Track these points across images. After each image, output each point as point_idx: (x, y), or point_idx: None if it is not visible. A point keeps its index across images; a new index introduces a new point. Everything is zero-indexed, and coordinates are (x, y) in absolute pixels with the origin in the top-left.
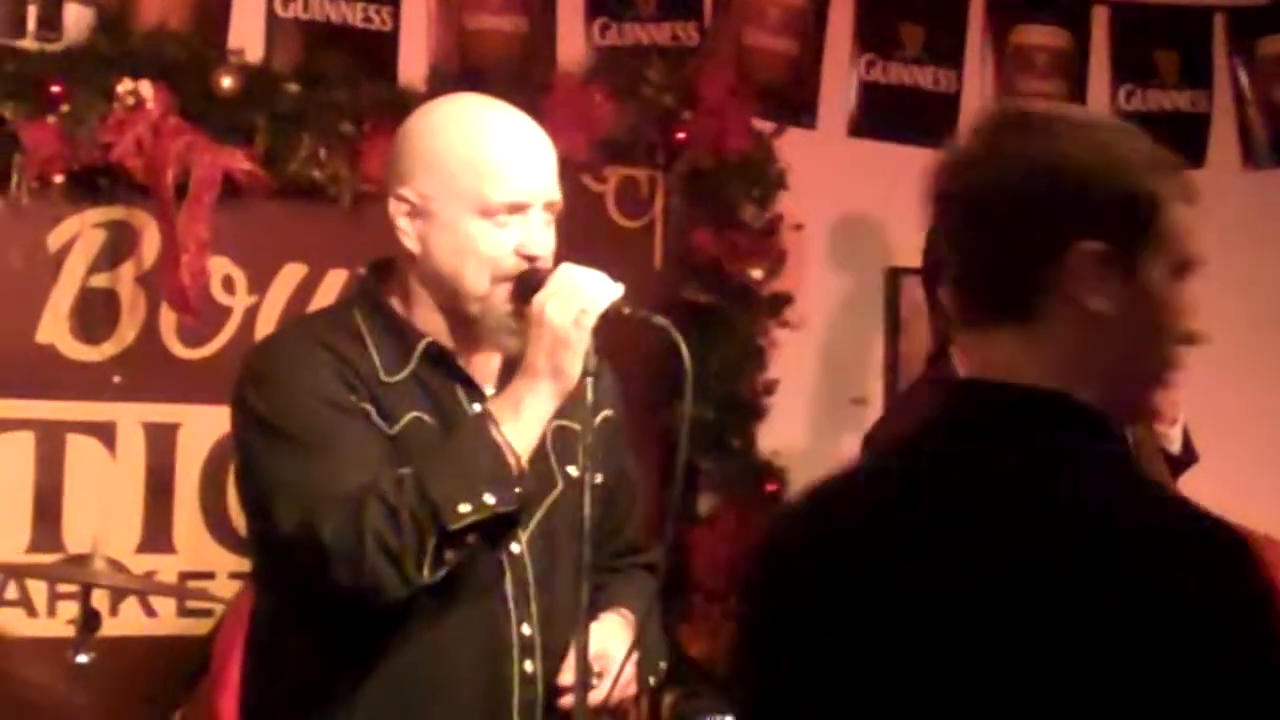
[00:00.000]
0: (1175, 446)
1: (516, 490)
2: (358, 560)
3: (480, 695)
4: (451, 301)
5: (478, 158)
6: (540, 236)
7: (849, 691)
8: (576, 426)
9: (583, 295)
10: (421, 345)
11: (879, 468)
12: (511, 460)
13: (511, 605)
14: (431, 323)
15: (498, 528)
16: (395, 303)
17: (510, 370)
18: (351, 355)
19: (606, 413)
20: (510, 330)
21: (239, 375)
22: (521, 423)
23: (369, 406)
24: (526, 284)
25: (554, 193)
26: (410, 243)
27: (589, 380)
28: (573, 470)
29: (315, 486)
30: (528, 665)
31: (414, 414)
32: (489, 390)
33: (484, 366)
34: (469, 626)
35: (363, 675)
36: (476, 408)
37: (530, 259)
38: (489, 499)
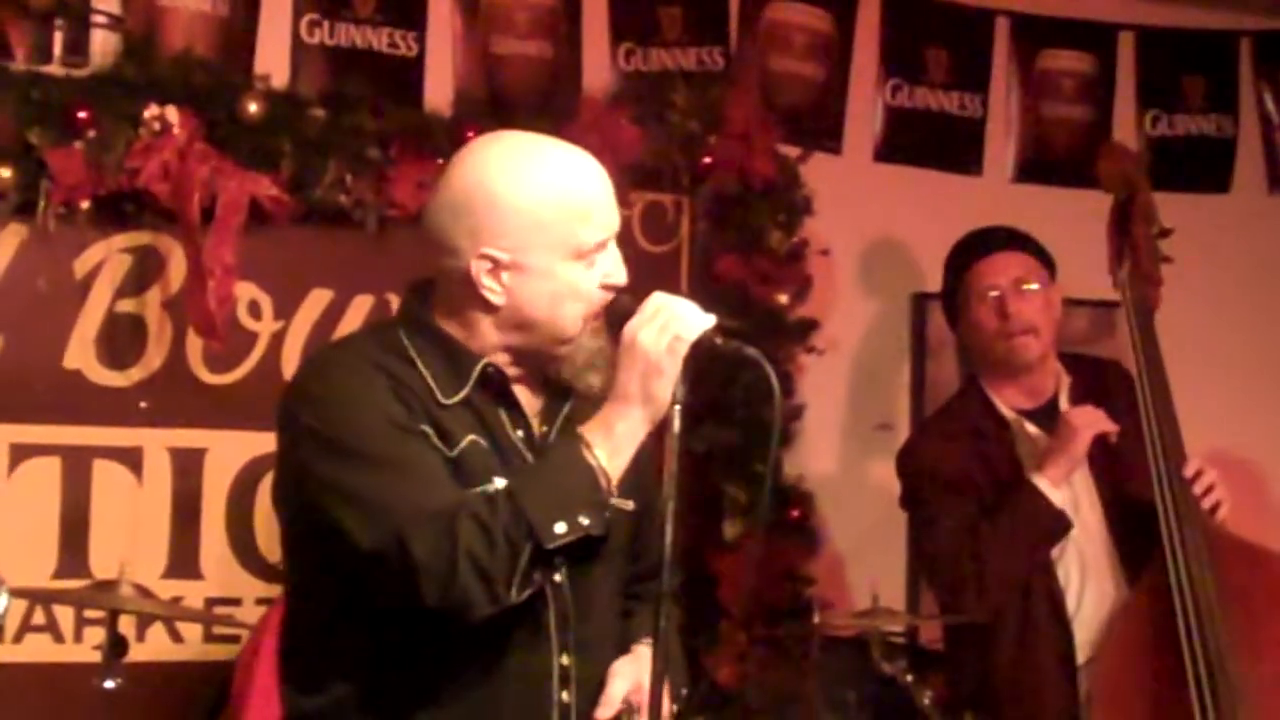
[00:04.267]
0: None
1: (606, 514)
2: (450, 578)
3: None
4: (539, 344)
5: (568, 203)
6: (621, 266)
7: None
8: None
9: (677, 323)
10: (479, 368)
11: None
12: (604, 483)
13: (553, 634)
14: (493, 354)
15: (584, 551)
16: (448, 327)
17: (552, 408)
18: (405, 377)
19: None
20: (597, 368)
21: (289, 397)
22: (613, 446)
23: (428, 428)
24: (616, 314)
25: (618, 222)
26: (495, 298)
27: (676, 409)
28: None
29: (399, 503)
30: (564, 695)
31: (471, 437)
32: (534, 422)
33: (528, 398)
34: (513, 655)
35: (406, 691)
36: (519, 434)
37: (615, 288)
38: (584, 520)
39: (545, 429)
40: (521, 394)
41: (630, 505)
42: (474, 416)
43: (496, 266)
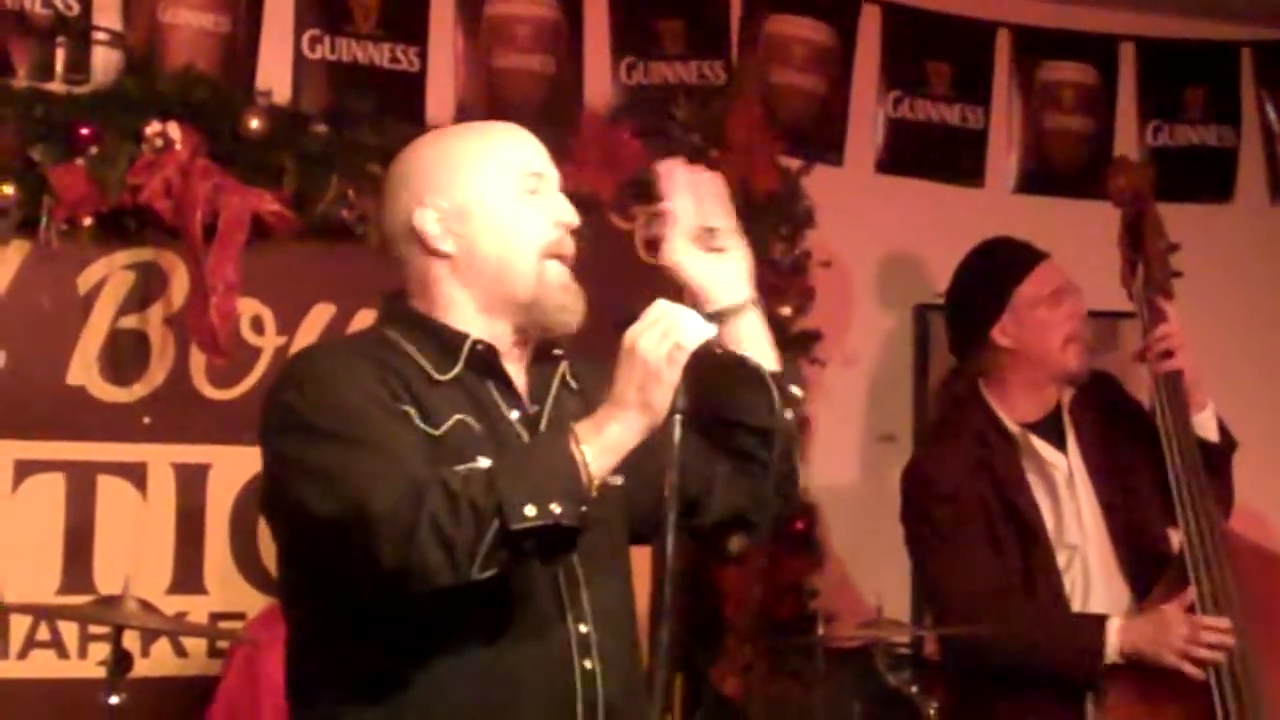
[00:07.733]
0: (1213, 434)
1: (583, 509)
2: (408, 539)
3: (544, 696)
4: (502, 290)
5: (489, 142)
6: (568, 205)
7: None
8: None
9: (677, 331)
10: (468, 344)
11: None
12: (584, 477)
13: (566, 604)
14: (474, 328)
15: (556, 542)
16: (427, 311)
17: (541, 385)
18: (392, 362)
19: None
20: (565, 307)
21: (274, 385)
22: (601, 445)
23: (410, 409)
24: (619, 320)
25: (557, 176)
26: (449, 246)
27: (676, 418)
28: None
29: (358, 469)
30: (587, 663)
31: (459, 416)
32: (526, 400)
33: (517, 376)
34: (527, 629)
35: (419, 687)
36: (514, 415)
37: (566, 226)
38: (555, 508)
39: (537, 408)
40: (512, 372)
41: (619, 480)
42: (465, 396)
43: (445, 217)
